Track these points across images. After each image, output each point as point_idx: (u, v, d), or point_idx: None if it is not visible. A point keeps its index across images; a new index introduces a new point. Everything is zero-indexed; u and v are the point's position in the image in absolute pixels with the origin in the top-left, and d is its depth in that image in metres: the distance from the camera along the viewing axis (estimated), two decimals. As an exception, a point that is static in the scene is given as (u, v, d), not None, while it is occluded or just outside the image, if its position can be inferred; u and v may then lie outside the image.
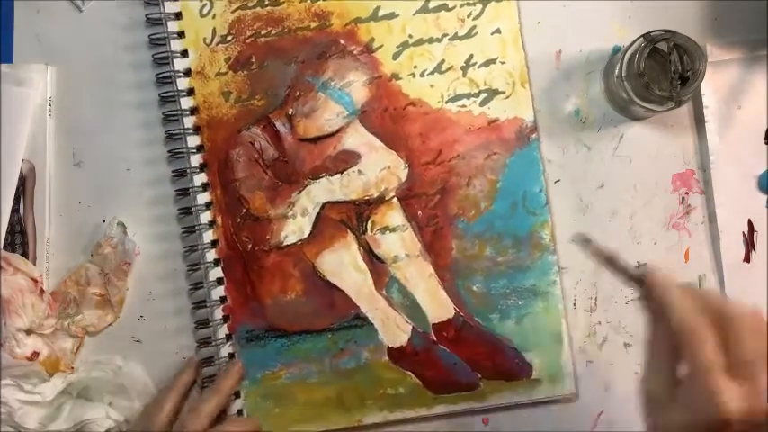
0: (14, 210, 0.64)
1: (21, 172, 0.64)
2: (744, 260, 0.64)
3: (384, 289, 0.64)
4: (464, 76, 0.64)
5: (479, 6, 0.63)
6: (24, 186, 0.65)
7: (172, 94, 0.63)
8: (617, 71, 0.60)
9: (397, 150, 0.64)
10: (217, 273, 0.64)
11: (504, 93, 0.64)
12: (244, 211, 0.64)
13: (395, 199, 0.64)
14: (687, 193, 0.64)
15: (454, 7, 0.63)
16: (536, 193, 0.63)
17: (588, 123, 0.64)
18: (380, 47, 0.64)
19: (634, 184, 0.64)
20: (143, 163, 0.65)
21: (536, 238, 0.63)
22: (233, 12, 0.63)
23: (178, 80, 0.63)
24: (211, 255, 0.64)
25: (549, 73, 0.65)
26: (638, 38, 0.58)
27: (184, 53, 0.64)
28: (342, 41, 0.64)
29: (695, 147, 0.64)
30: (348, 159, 0.64)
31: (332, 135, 0.64)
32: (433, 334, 0.63)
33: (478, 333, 0.63)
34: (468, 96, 0.64)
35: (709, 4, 0.64)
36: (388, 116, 0.64)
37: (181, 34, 0.64)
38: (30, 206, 0.65)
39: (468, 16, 0.63)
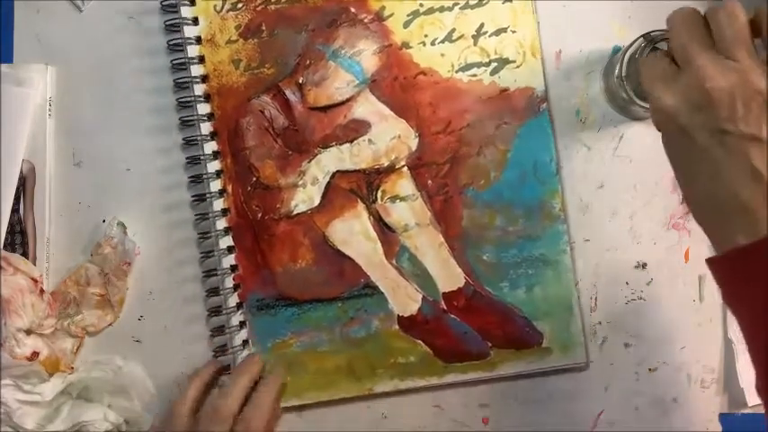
0: (14, 210, 0.64)
1: (21, 172, 0.64)
2: None
3: (394, 258, 0.64)
4: (475, 44, 0.63)
5: (492, -26, 0.63)
6: (24, 186, 0.64)
7: (183, 61, 0.63)
8: (617, 71, 0.60)
9: (407, 119, 0.64)
10: (227, 241, 0.64)
11: (514, 62, 0.63)
12: (254, 179, 0.64)
13: (405, 168, 0.64)
14: None
15: (466, -25, 0.63)
16: (546, 163, 0.63)
17: (588, 123, 0.64)
18: (391, 15, 0.63)
19: (634, 184, 0.64)
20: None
21: (546, 207, 0.63)
22: (244, -21, 0.63)
23: (188, 47, 0.63)
24: (222, 223, 0.64)
25: (550, 73, 0.64)
26: (638, 38, 0.58)
27: (195, 20, 0.63)
28: (352, 9, 0.64)
29: None
30: (358, 128, 0.64)
31: (342, 104, 0.64)
32: (443, 303, 0.64)
33: (489, 302, 0.63)
34: (478, 65, 0.64)
35: (709, 5, 0.64)
36: (398, 85, 0.64)
37: (192, 1, 0.63)
38: (30, 206, 0.65)
39: (481, -16, 0.63)
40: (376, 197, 0.64)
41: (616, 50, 0.64)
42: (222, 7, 0.63)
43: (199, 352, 0.65)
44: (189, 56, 0.63)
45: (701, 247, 0.64)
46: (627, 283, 0.64)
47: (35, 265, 0.64)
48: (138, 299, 0.65)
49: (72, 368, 0.64)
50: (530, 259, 0.63)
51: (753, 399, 0.62)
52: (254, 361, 0.63)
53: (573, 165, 0.64)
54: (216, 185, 0.64)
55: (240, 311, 0.64)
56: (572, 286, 0.63)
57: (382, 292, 0.64)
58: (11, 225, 0.64)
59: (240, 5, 0.63)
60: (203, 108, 0.64)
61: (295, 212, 0.64)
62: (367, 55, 0.63)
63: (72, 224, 0.65)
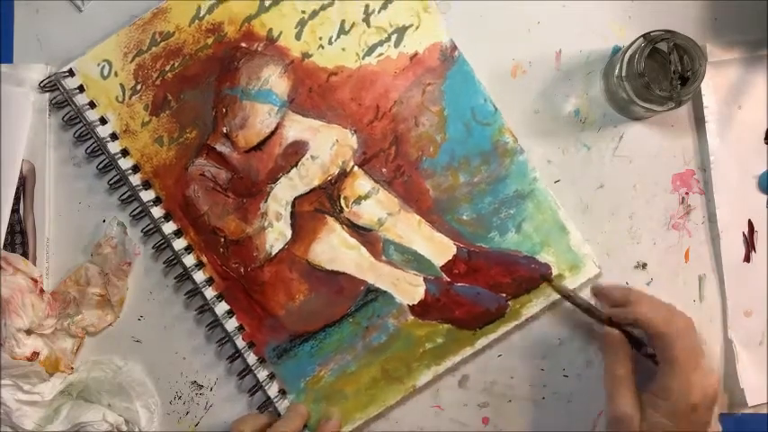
0: (14, 210, 0.64)
1: (21, 172, 0.64)
2: (744, 260, 0.63)
3: (382, 254, 0.63)
4: (369, 26, 0.63)
5: (355, -43, 0.63)
6: (24, 186, 0.64)
7: (107, 162, 0.64)
8: (617, 71, 0.60)
9: (338, 122, 0.64)
10: (223, 307, 0.64)
11: (412, 26, 0.63)
12: (222, 240, 0.64)
13: (356, 168, 0.64)
14: (687, 193, 0.64)
15: (331, -33, 0.63)
16: (482, 105, 0.63)
17: (588, 123, 0.64)
18: (280, 34, 0.64)
19: (634, 184, 0.64)
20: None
21: (500, 145, 0.63)
22: (131, 61, 0.64)
23: (108, 145, 0.64)
24: (210, 292, 0.64)
25: (549, 73, 0.64)
26: (638, 38, 0.58)
27: (102, 120, 0.64)
28: (243, 44, 0.64)
29: (695, 147, 0.64)
30: (297, 150, 0.64)
31: (272, 134, 0.64)
32: (445, 276, 0.63)
33: (487, 256, 0.63)
34: (380, 44, 0.63)
35: (709, 4, 0.64)
36: (315, 95, 0.64)
37: (92, 104, 0.64)
38: (30, 206, 0.65)
39: (348, -31, 0.63)
40: (341, 206, 0.64)
41: (616, 50, 0.64)
42: (123, 96, 0.64)
43: (198, 352, 0.65)
44: (112, 153, 0.64)
45: (701, 247, 0.64)
46: (627, 283, 0.64)
47: (35, 265, 0.64)
48: (138, 299, 0.65)
49: (72, 368, 0.64)
50: (506, 200, 0.63)
51: (753, 399, 0.62)
52: (299, 413, 0.63)
53: (573, 165, 0.64)
54: (190, 260, 0.64)
55: (264, 365, 0.64)
56: (555, 207, 0.63)
57: (386, 292, 0.63)
58: (11, 225, 0.64)
59: (139, 87, 0.64)
60: (147, 195, 0.64)
61: (273, 253, 0.64)
62: (275, 80, 0.64)
63: (72, 224, 0.65)
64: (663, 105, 0.58)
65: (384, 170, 0.63)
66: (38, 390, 0.61)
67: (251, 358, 0.64)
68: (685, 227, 0.64)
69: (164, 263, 0.65)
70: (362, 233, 0.63)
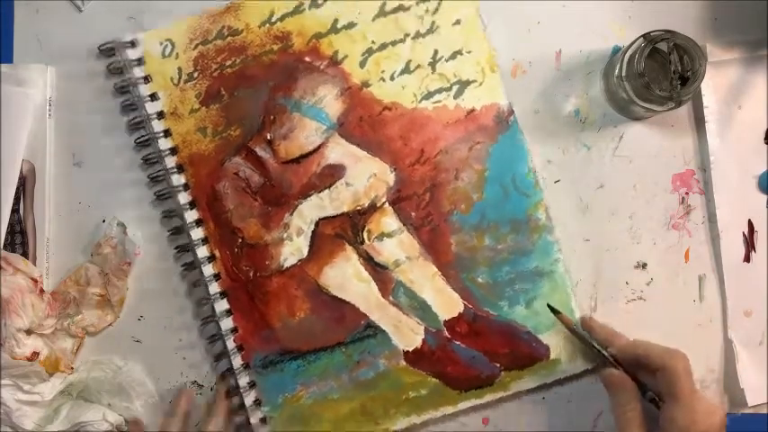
0: (14, 210, 0.64)
1: (21, 172, 0.64)
2: (744, 260, 0.64)
3: (391, 295, 0.64)
4: (433, 72, 0.63)
5: (435, 1, 0.63)
6: (24, 186, 0.64)
7: (147, 137, 0.64)
8: (617, 71, 0.60)
9: (380, 156, 0.64)
10: (224, 305, 0.64)
11: (475, 81, 0.63)
12: (239, 240, 0.64)
13: (386, 204, 0.64)
14: (687, 193, 0.64)
15: (411, 6, 0.63)
16: (524, 175, 0.63)
17: (588, 123, 0.64)
18: (345, 57, 0.64)
19: (634, 184, 0.64)
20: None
21: (532, 219, 0.63)
22: (194, 48, 0.63)
23: (153, 122, 0.64)
24: (215, 287, 0.64)
25: (549, 73, 0.64)
26: (638, 38, 0.58)
27: (153, 96, 0.64)
28: (307, 59, 0.64)
29: (695, 147, 0.64)
30: (334, 173, 0.64)
31: (314, 152, 0.64)
32: (446, 331, 0.63)
33: (491, 323, 0.63)
34: (440, 91, 0.64)
35: (709, 4, 0.64)
36: (365, 124, 0.64)
37: (146, 78, 0.64)
38: (30, 206, 0.65)
39: (426, 12, 0.63)
40: (363, 238, 0.64)
41: (616, 50, 0.64)
42: (179, 79, 0.64)
43: (198, 352, 0.66)
44: (154, 131, 0.64)
45: (701, 247, 0.64)
46: (627, 283, 0.64)
47: (35, 265, 0.64)
48: (138, 299, 0.66)
49: (72, 368, 0.64)
50: (524, 274, 0.63)
51: (753, 399, 0.63)
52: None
53: (573, 165, 0.64)
54: (203, 252, 0.64)
55: (248, 371, 0.64)
56: (570, 294, 0.63)
57: (384, 331, 0.64)
58: (11, 225, 0.64)
59: (196, 74, 0.64)
60: (178, 179, 0.64)
61: (285, 266, 0.64)
62: (329, 100, 0.64)
63: (72, 224, 0.65)
64: (663, 105, 0.59)
65: (413, 214, 0.64)
66: (38, 390, 0.61)
67: (236, 361, 0.64)
68: (685, 227, 0.64)
69: (176, 248, 0.65)
70: (377, 269, 0.64)
